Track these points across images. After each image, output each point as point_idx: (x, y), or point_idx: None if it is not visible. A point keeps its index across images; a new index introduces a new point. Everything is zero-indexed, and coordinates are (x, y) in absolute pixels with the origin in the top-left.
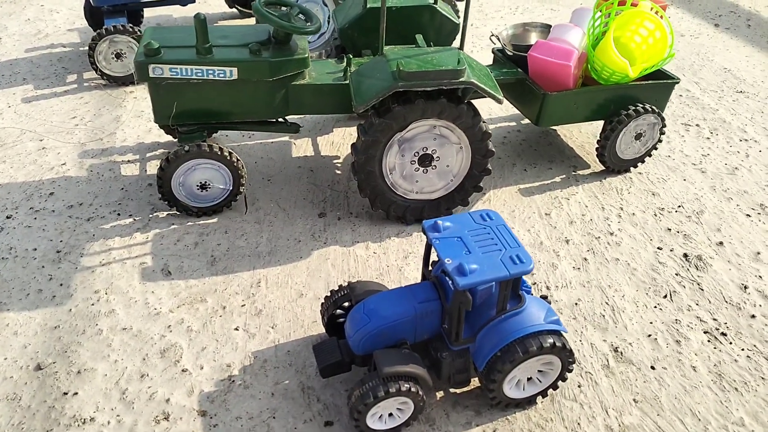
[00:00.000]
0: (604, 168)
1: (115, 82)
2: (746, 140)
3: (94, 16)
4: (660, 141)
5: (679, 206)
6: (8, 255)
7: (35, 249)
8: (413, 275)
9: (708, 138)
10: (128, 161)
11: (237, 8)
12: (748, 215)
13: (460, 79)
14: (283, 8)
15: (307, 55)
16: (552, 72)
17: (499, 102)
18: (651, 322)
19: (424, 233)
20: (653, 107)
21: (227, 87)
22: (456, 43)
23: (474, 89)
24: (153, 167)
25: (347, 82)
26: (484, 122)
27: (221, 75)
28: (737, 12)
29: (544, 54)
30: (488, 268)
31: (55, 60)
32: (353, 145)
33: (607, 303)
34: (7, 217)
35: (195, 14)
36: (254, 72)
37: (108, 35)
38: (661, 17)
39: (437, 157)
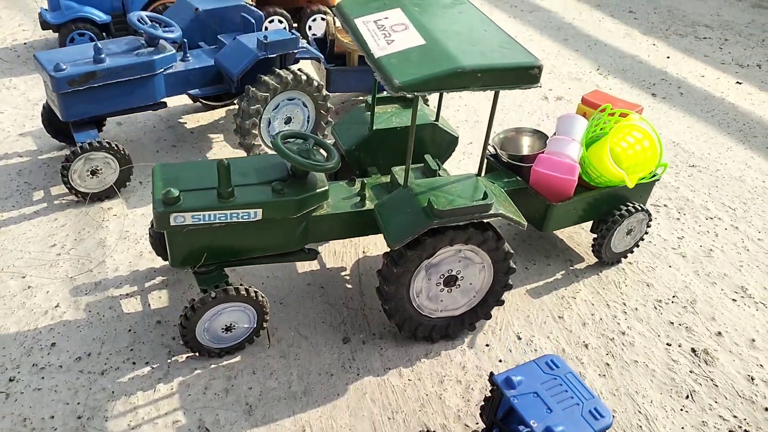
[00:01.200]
0: (597, 260)
1: (90, 199)
2: (711, 218)
3: (52, 122)
4: (647, 233)
5: (674, 296)
6: (23, 428)
7: (52, 417)
8: (454, 403)
9: (678, 219)
10: (127, 295)
11: (201, 102)
12: (733, 300)
13: (490, 212)
14: (300, 140)
15: (327, 188)
16: (555, 185)
17: (523, 227)
18: (682, 428)
19: (498, 389)
20: (641, 205)
21: (250, 227)
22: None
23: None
24: (156, 300)
25: (366, 208)
26: (506, 243)
27: (245, 217)
28: (667, 79)
29: (549, 169)
30: (573, 427)
31: (14, 174)
32: (380, 274)
33: (639, 411)
34: (11, 380)
35: (218, 161)
36: (279, 211)
37: (83, 153)
38: (650, 129)
39: (461, 277)
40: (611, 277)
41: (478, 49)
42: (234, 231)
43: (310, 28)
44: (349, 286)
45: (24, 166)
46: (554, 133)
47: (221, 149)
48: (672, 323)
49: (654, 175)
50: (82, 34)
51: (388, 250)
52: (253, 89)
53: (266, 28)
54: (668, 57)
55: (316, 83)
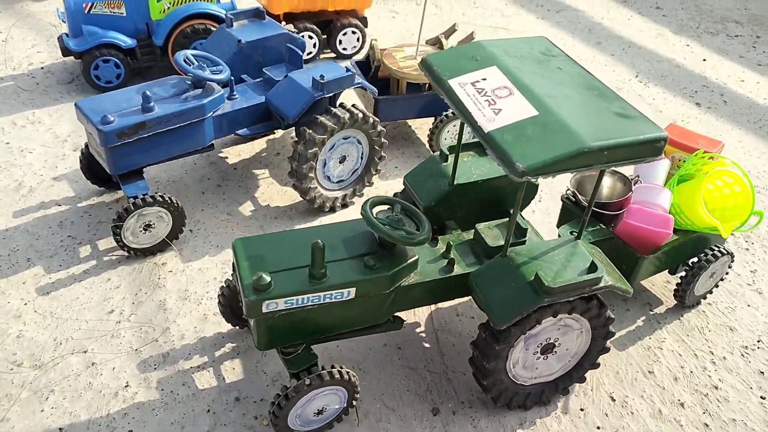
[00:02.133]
0: (675, 302)
1: (142, 253)
2: None
3: (92, 168)
4: (727, 273)
5: (758, 341)
6: None
7: None
8: None
9: (747, 249)
10: (198, 367)
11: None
12: None
13: (600, 285)
14: (387, 207)
15: (417, 257)
16: (648, 238)
17: (629, 295)
18: None
19: None
20: (726, 248)
21: (341, 305)
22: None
23: None
24: (230, 371)
25: (455, 274)
26: (608, 309)
27: (338, 297)
28: (708, 85)
29: (643, 222)
30: None
31: (56, 226)
32: (477, 348)
33: None
34: None
35: (313, 242)
36: (372, 288)
37: (136, 210)
38: (742, 174)
39: (559, 344)
40: (693, 321)
41: (598, 120)
42: (325, 310)
43: (340, 42)
44: (427, 345)
45: (64, 217)
46: (636, 177)
47: (269, 187)
48: (762, 372)
49: (746, 223)
50: (107, 60)
51: (484, 321)
52: (310, 132)
53: None
54: (704, 59)
55: (371, 120)
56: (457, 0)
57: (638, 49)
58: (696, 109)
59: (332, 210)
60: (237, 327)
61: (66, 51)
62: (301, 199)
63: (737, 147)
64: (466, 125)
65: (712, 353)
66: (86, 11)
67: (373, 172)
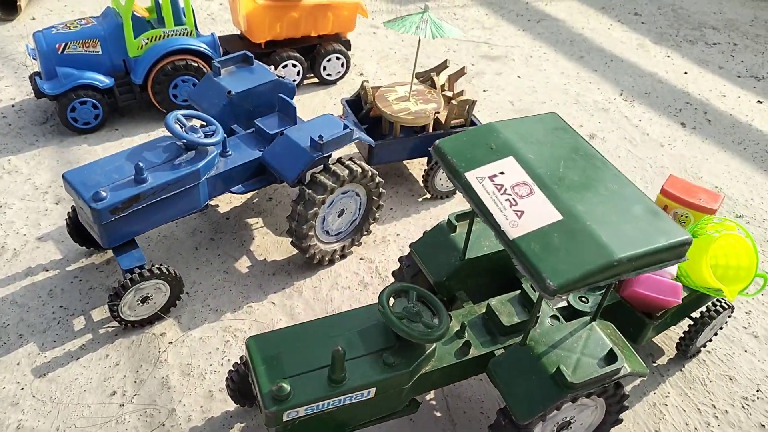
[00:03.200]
0: (677, 352)
1: (139, 324)
2: None
3: (79, 230)
4: (726, 323)
5: (758, 390)
6: None
7: None
8: None
9: None
10: None
11: None
12: None
13: (622, 374)
14: (402, 295)
15: (435, 347)
16: (656, 304)
17: (644, 377)
18: None
19: None
20: (728, 302)
21: (361, 403)
22: None
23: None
24: None
25: (472, 356)
26: (625, 393)
27: (359, 398)
28: (691, 102)
29: (651, 291)
30: None
31: (46, 295)
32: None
33: None
34: None
35: (334, 349)
36: (392, 385)
37: (134, 285)
38: (746, 236)
39: (574, 421)
40: (695, 372)
41: (622, 224)
42: (344, 410)
43: (324, 68)
44: (438, 413)
45: (54, 284)
46: None
47: (264, 238)
48: (763, 426)
49: (750, 285)
50: (84, 102)
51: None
52: (310, 192)
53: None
54: (686, 72)
55: (370, 173)
56: (437, 13)
57: (621, 62)
58: (681, 130)
59: (331, 263)
60: (245, 406)
61: (40, 93)
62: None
63: (724, 172)
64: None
65: (714, 407)
66: (60, 51)
67: (371, 221)
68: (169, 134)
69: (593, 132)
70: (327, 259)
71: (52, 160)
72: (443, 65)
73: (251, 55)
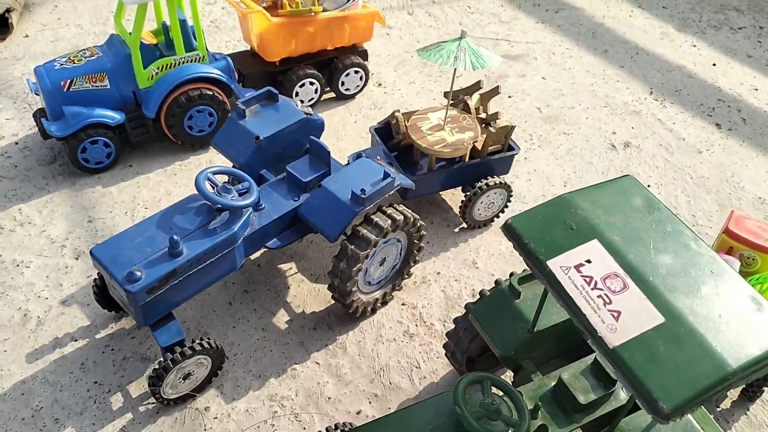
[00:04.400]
0: (743, 397)
1: (181, 399)
2: None
3: (106, 295)
4: None
5: None
6: None
7: None
8: None
9: None
10: None
11: None
12: None
13: None
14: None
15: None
16: None
17: None
18: None
19: None
20: None
21: None
22: None
23: None
24: None
25: None
26: None
27: None
28: (724, 99)
29: None
30: None
31: (77, 370)
32: None
33: None
34: None
35: None
36: None
37: (175, 366)
38: None
39: None
40: (759, 416)
41: (732, 325)
42: None
43: (342, 83)
44: None
45: (84, 355)
46: None
47: (300, 286)
48: None
49: None
50: (95, 141)
51: None
52: (353, 248)
53: (297, 94)
54: (714, 64)
55: (412, 219)
56: (451, 7)
57: (646, 55)
58: (717, 133)
59: (372, 312)
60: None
61: (46, 134)
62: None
63: (763, 177)
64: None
65: None
66: (65, 89)
67: (412, 264)
68: (197, 192)
69: (627, 140)
70: (369, 309)
71: (65, 206)
72: (476, 86)
73: (276, 92)
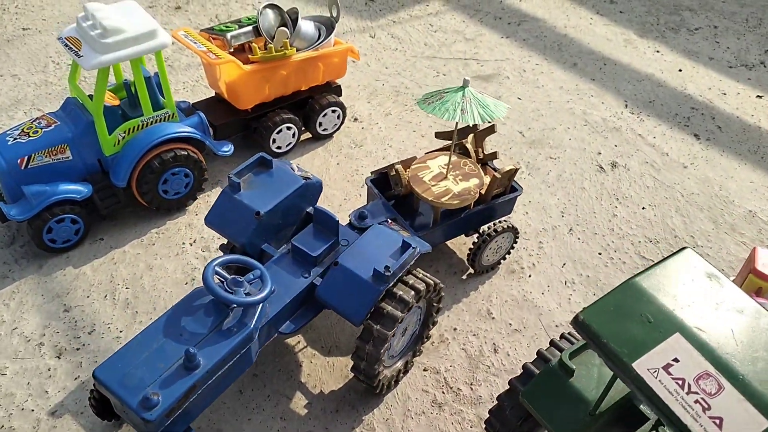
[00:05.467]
0: None
1: None
2: None
3: (107, 407)
4: None
5: None
6: None
7: None
8: None
9: None
10: None
11: None
12: None
13: None
14: None
15: None
16: None
17: None
18: None
19: None
20: None
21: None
22: None
23: None
24: None
25: None
26: None
27: None
28: (696, 107)
29: None
30: None
31: None
32: None
33: None
34: None
35: None
36: None
37: None
38: None
39: None
40: None
41: None
42: None
43: (320, 124)
44: None
45: None
46: None
47: (312, 362)
48: None
49: None
50: (61, 219)
51: None
52: (378, 328)
53: (274, 141)
54: (680, 70)
55: (434, 286)
56: (413, 27)
57: (614, 66)
58: (697, 144)
59: (396, 383)
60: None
61: (4, 218)
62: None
63: (751, 190)
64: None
65: None
66: (23, 167)
67: (430, 326)
68: (200, 284)
69: (613, 159)
70: (393, 382)
71: (35, 295)
72: (473, 127)
73: (270, 158)
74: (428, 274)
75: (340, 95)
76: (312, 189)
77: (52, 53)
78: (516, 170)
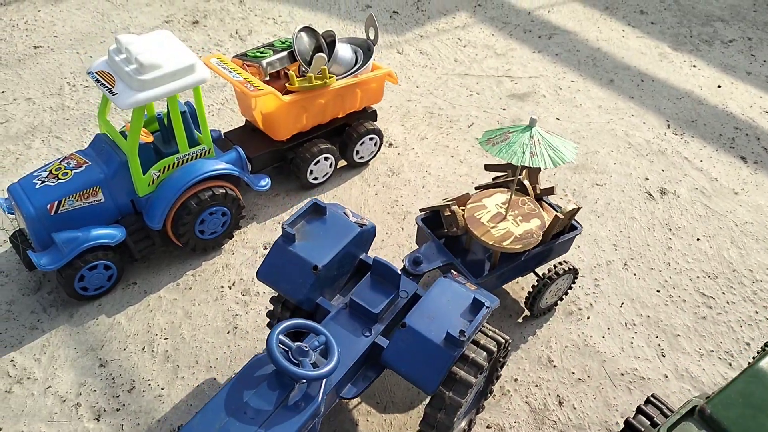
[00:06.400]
0: None
1: None
2: None
3: None
4: None
5: None
6: None
7: None
8: None
9: None
10: None
11: None
12: None
13: None
14: None
15: None
16: None
17: None
18: None
19: None
20: None
21: None
22: None
23: None
24: None
25: None
26: None
27: None
28: (740, 127)
29: None
30: None
31: None
32: None
33: None
34: None
35: None
36: None
37: None
38: None
39: None
40: None
41: None
42: None
43: (357, 152)
44: None
45: None
46: None
47: (368, 420)
48: None
49: None
50: (94, 266)
51: None
52: (450, 394)
53: (311, 172)
54: (719, 86)
55: (504, 342)
56: (441, 41)
57: (652, 82)
58: (745, 168)
59: None
60: None
61: (32, 266)
62: None
63: None
64: None
65: None
66: (53, 212)
67: (494, 382)
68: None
69: (662, 185)
70: None
71: (68, 349)
72: (522, 168)
73: (323, 204)
74: (496, 330)
75: (376, 120)
76: (366, 235)
77: (66, 74)
78: (578, 209)
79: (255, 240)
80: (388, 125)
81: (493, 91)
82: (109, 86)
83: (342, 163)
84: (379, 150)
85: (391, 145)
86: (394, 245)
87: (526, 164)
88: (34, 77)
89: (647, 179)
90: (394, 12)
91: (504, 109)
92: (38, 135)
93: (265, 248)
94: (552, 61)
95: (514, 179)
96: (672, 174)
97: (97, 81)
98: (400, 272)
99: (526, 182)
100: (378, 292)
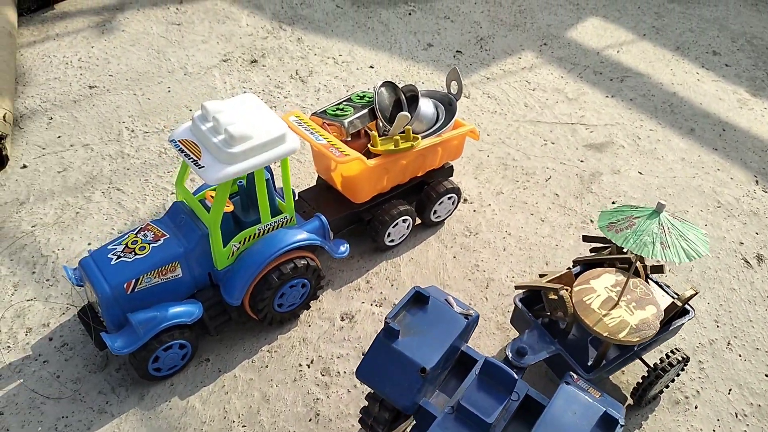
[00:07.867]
0: None
1: None
2: None
3: None
4: None
5: None
6: None
7: None
8: None
9: None
10: None
11: None
12: None
13: None
14: None
15: None
16: None
17: None
18: None
19: None
20: None
21: None
22: None
23: None
24: None
25: None
26: None
27: None
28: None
29: None
30: None
31: None
32: None
33: None
34: None
35: None
36: None
37: None
38: None
39: None
40: None
41: None
42: None
43: (435, 212)
44: None
45: None
46: None
47: None
48: None
49: None
50: (169, 347)
51: None
52: None
53: (389, 234)
54: None
55: None
56: (509, 84)
57: (734, 132)
58: (759, 189)
59: None
60: None
61: (103, 345)
62: None
63: None
64: None
65: None
66: (129, 291)
67: None
68: None
69: (758, 251)
70: None
71: None
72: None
73: (426, 293)
74: None
75: (452, 175)
76: (471, 326)
77: (124, 117)
78: (695, 294)
79: (332, 310)
80: (461, 178)
81: (568, 141)
82: (195, 157)
83: (417, 221)
84: (455, 208)
85: (465, 200)
86: (480, 319)
87: (658, 257)
88: (91, 120)
89: (742, 243)
90: (457, 51)
91: (582, 161)
92: (98, 186)
93: (343, 319)
94: (627, 107)
95: (632, 266)
96: (767, 238)
97: (181, 151)
98: (516, 378)
99: (633, 258)
100: (489, 395)
